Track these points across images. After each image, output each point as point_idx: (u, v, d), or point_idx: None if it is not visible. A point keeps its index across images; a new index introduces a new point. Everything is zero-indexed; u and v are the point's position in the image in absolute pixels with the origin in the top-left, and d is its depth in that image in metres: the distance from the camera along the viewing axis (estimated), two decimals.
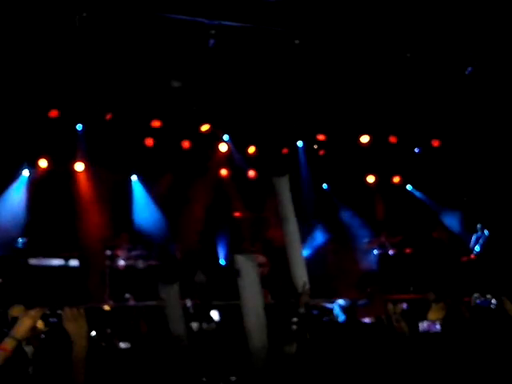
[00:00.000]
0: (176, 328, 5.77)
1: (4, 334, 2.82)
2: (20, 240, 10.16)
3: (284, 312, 5.51)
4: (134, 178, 12.51)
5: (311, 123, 12.22)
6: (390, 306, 5.55)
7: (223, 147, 12.56)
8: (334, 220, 13.08)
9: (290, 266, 8.49)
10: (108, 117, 11.17)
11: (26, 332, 2.86)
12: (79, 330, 2.92)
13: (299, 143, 12.98)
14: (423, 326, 6.43)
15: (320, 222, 12.96)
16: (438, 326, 6.17)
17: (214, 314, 8.56)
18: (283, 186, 8.52)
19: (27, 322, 2.88)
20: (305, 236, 12.67)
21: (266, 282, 11.25)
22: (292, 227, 8.38)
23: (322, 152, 12.99)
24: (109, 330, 7.09)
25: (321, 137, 12.62)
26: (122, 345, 6.42)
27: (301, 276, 8.14)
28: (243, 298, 5.56)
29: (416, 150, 13.00)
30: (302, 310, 5.31)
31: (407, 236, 12.23)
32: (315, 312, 8.34)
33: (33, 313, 2.92)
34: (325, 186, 13.76)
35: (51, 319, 3.13)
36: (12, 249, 10.05)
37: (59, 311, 3.08)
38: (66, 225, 11.23)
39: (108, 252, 10.62)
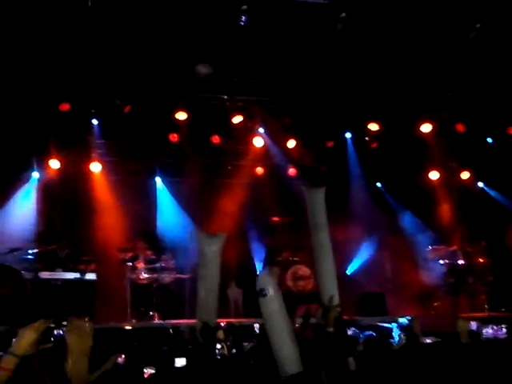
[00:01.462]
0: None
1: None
2: (30, 251, 10.27)
3: (313, 332, 5.39)
4: (157, 179, 12.70)
5: (361, 110, 12.03)
6: (462, 323, 5.33)
7: (258, 142, 12.52)
8: (390, 225, 12.88)
9: (319, 278, 8.45)
10: (127, 109, 11.25)
11: (27, 348, 2.80)
12: (82, 345, 2.85)
13: (347, 134, 12.85)
14: (488, 332, 6.19)
15: (373, 228, 12.81)
16: (503, 331, 5.94)
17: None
18: (317, 197, 8.54)
19: (29, 336, 2.82)
20: (355, 244, 12.53)
21: (311, 297, 11.17)
22: (323, 235, 8.35)
23: (374, 144, 12.79)
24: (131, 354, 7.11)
25: (373, 126, 12.37)
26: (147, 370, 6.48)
27: (329, 289, 8.08)
28: (269, 323, 5.59)
29: (489, 140, 12.67)
30: (330, 329, 5.18)
31: (479, 243, 11.94)
32: (368, 333, 8.18)
33: (35, 326, 2.87)
34: (379, 184, 13.68)
35: (56, 332, 3.10)
36: (21, 261, 10.15)
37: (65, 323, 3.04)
38: (82, 233, 11.40)
39: (129, 264, 10.73)
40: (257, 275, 10.94)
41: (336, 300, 5.90)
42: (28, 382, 3.14)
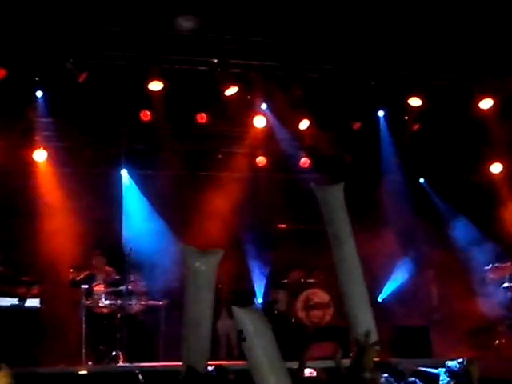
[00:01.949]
0: None
1: None
2: None
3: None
4: (123, 172, 12.65)
5: (400, 80, 11.94)
6: None
7: (260, 121, 12.45)
8: (436, 235, 12.86)
9: (347, 306, 8.42)
10: (82, 77, 11.19)
11: None
12: None
13: (380, 113, 12.80)
14: None
15: (414, 239, 12.78)
16: None
17: None
18: (332, 197, 8.49)
19: None
20: (388, 261, 12.53)
21: (330, 331, 11.15)
22: (348, 250, 8.29)
23: (416, 126, 12.73)
24: None
25: (415, 102, 12.30)
26: None
27: (363, 320, 8.05)
28: (253, 370, 5.64)
29: None
30: (367, 375, 5.19)
31: None
32: (411, 380, 8.20)
33: None
34: (422, 180, 13.66)
35: None
36: None
37: None
38: (21, 246, 11.36)
39: (84, 286, 10.66)
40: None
41: (374, 336, 5.87)
42: None
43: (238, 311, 6.60)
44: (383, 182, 13.05)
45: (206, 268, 8.38)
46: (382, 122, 12.86)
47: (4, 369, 3.00)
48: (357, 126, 12.72)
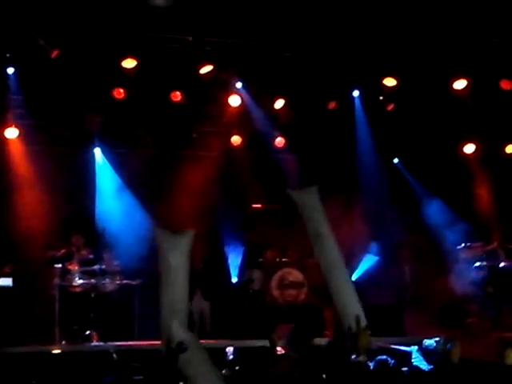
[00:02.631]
0: None
1: None
2: None
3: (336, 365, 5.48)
4: (96, 150, 12.55)
5: (375, 60, 11.96)
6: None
7: (235, 100, 12.42)
8: (409, 214, 12.98)
9: (334, 296, 8.52)
10: (54, 54, 11.07)
11: None
12: None
13: (355, 93, 12.82)
14: None
15: (388, 220, 12.87)
16: None
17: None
18: (308, 199, 8.61)
19: None
20: (363, 241, 12.60)
21: (305, 309, 11.23)
22: (329, 244, 8.43)
23: (390, 106, 12.80)
24: None
25: (390, 82, 12.37)
26: None
27: (351, 307, 8.16)
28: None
29: None
30: (363, 359, 5.28)
31: None
32: (381, 358, 8.28)
33: None
34: (396, 161, 13.72)
35: None
36: None
37: None
38: None
39: (58, 265, 10.63)
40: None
41: (363, 321, 5.97)
42: None
43: (176, 327, 6.83)
44: (358, 163, 13.07)
45: (178, 249, 8.42)
46: (357, 102, 12.89)
47: None
48: (332, 105, 12.77)
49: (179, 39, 11.38)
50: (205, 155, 12.58)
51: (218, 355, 8.44)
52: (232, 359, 8.36)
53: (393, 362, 8.10)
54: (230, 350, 8.57)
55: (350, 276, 8.51)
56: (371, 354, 8.46)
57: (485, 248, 12.14)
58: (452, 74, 12.33)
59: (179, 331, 6.80)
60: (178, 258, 8.42)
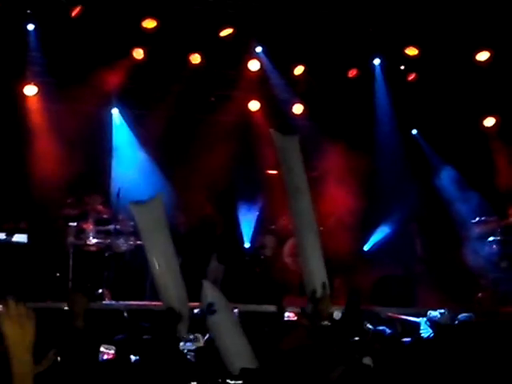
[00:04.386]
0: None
1: None
2: None
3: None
4: (114, 111, 12.62)
5: (396, 29, 11.95)
6: None
7: (254, 65, 12.45)
8: (424, 186, 12.97)
9: (302, 258, 8.64)
10: (75, 11, 11.15)
11: None
12: (22, 337, 2.95)
13: (376, 61, 12.80)
14: None
15: (402, 191, 12.88)
16: None
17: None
18: (290, 147, 8.53)
19: None
20: (376, 212, 12.66)
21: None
22: (303, 204, 8.47)
23: (411, 76, 12.79)
24: None
25: (411, 51, 12.35)
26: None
27: (317, 273, 8.29)
28: (220, 343, 6.02)
29: None
30: (325, 323, 5.42)
31: None
32: (389, 330, 8.43)
33: None
34: (414, 131, 13.69)
35: None
36: None
37: None
38: (10, 180, 11.41)
39: (73, 224, 10.74)
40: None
41: (327, 287, 6.10)
42: None
43: (207, 287, 7.03)
44: (376, 132, 13.06)
45: (152, 217, 8.66)
46: (378, 70, 12.85)
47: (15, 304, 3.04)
48: (352, 73, 12.78)
49: (200, 0, 11.44)
50: (222, 119, 12.57)
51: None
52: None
53: (390, 331, 8.29)
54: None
55: (318, 241, 8.56)
56: (379, 322, 8.64)
57: (500, 223, 12.11)
58: (475, 46, 12.29)
59: (210, 292, 7.00)
60: (149, 224, 8.68)
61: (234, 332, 7.19)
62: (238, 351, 6.98)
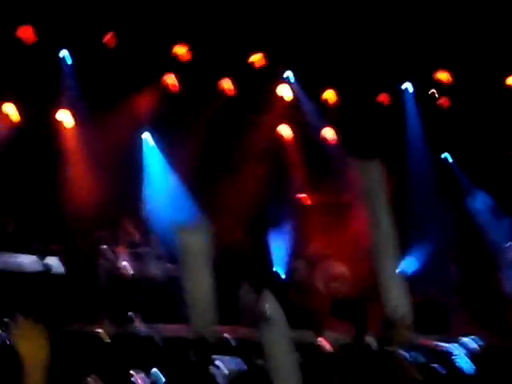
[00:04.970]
0: None
1: None
2: None
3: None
4: (145, 135, 12.71)
5: (428, 52, 12.02)
6: None
7: (285, 91, 12.56)
8: (457, 210, 12.91)
9: (382, 286, 8.58)
10: (108, 39, 11.33)
11: None
12: (37, 354, 3.00)
13: (406, 85, 12.88)
14: None
15: (435, 214, 12.82)
16: None
17: None
18: (373, 171, 8.59)
19: None
20: (409, 238, 12.58)
21: (348, 303, 11.31)
22: (384, 229, 8.44)
23: (443, 101, 12.81)
24: None
25: (442, 75, 12.37)
26: None
27: (396, 298, 8.23)
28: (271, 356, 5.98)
29: None
30: (392, 349, 5.36)
31: None
32: (422, 358, 8.37)
33: None
34: (446, 155, 13.63)
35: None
36: None
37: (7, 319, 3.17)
38: (43, 204, 11.46)
39: (104, 247, 10.81)
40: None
41: (404, 312, 6.06)
42: None
43: (264, 296, 7.02)
44: (409, 158, 13.04)
45: (196, 242, 8.76)
46: (408, 95, 12.91)
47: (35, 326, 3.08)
48: (383, 98, 12.84)
49: (232, 28, 11.55)
50: (252, 144, 12.55)
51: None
52: None
53: (423, 359, 8.19)
54: None
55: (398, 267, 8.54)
56: (412, 348, 8.56)
57: None
58: (506, 70, 12.27)
59: (268, 306, 6.93)
60: (194, 251, 8.78)
61: (286, 350, 7.07)
62: (288, 370, 6.84)
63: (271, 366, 6.28)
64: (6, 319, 7.81)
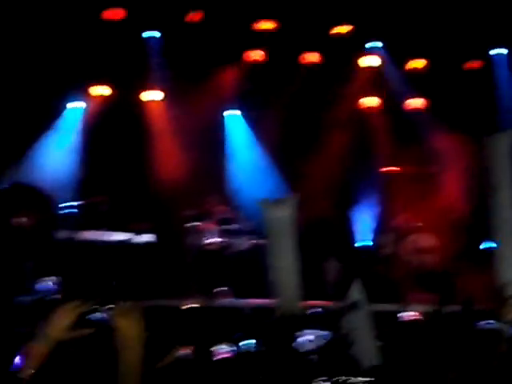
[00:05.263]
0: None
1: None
2: (68, 204, 10.65)
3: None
4: (231, 112, 12.84)
5: None
6: None
7: (371, 61, 12.46)
8: None
9: (496, 256, 8.45)
10: (196, 17, 11.46)
11: (62, 331, 3.18)
12: (135, 330, 3.17)
13: (497, 51, 12.57)
14: None
15: None
16: None
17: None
18: (501, 143, 8.36)
19: (64, 318, 3.20)
20: None
21: (436, 275, 11.22)
22: (502, 199, 8.24)
23: None
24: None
25: None
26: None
27: (507, 273, 8.10)
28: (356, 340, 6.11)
29: None
30: (503, 327, 5.33)
31: None
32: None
33: (72, 306, 3.24)
34: None
35: (96, 316, 3.38)
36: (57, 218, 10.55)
37: (108, 306, 3.38)
38: (133, 183, 11.79)
39: (194, 224, 11.01)
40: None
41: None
42: (63, 370, 3.56)
43: (356, 286, 7.16)
44: (500, 124, 12.71)
45: (282, 216, 8.88)
46: (500, 62, 12.56)
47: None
48: (474, 65, 12.52)
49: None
50: (338, 116, 12.51)
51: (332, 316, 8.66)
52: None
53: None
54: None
55: None
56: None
57: None
58: None
59: (355, 292, 7.16)
60: (280, 224, 8.89)
61: (368, 331, 7.30)
62: (369, 349, 7.05)
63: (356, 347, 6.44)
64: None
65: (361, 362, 6.74)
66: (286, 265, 8.92)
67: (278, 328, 7.67)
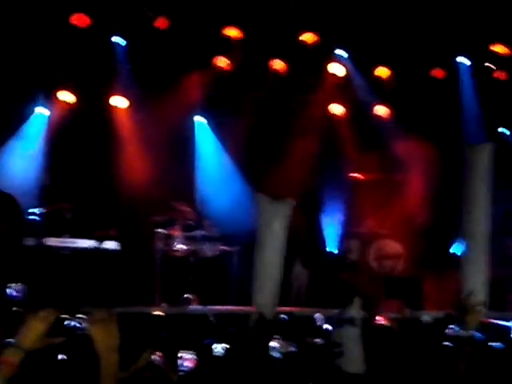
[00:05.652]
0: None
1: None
2: (32, 211, 10.56)
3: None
4: (198, 118, 12.84)
5: (481, 26, 11.74)
6: None
7: (337, 69, 12.55)
8: None
9: (464, 266, 8.58)
10: (161, 24, 11.45)
11: (34, 341, 3.18)
12: (110, 339, 3.18)
13: (461, 59, 12.67)
14: None
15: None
16: None
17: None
18: (483, 156, 8.50)
19: (36, 327, 3.19)
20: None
21: (401, 282, 11.33)
22: (477, 214, 8.39)
23: (500, 75, 12.58)
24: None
25: (499, 48, 12.16)
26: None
27: (473, 281, 8.26)
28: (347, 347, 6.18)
29: None
30: (467, 334, 5.41)
31: None
32: (479, 335, 8.34)
33: (43, 315, 3.23)
34: (503, 130, 13.37)
35: (70, 324, 3.41)
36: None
37: (81, 315, 3.38)
38: (100, 189, 11.74)
39: (160, 231, 11.04)
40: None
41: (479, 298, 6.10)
42: (34, 380, 3.55)
43: (355, 304, 7.22)
44: (463, 132, 12.88)
45: (278, 216, 8.91)
46: (464, 70, 12.67)
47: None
48: (438, 73, 12.65)
49: (284, 7, 11.53)
50: (305, 124, 12.57)
51: (307, 322, 8.72)
52: (320, 326, 8.59)
53: (481, 336, 8.18)
54: (318, 316, 8.77)
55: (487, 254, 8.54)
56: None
57: None
58: None
59: (355, 309, 7.20)
60: (277, 225, 8.94)
61: (358, 347, 7.32)
62: (355, 358, 7.07)
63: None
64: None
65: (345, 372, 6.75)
66: (271, 265, 8.91)
67: (253, 334, 7.66)
